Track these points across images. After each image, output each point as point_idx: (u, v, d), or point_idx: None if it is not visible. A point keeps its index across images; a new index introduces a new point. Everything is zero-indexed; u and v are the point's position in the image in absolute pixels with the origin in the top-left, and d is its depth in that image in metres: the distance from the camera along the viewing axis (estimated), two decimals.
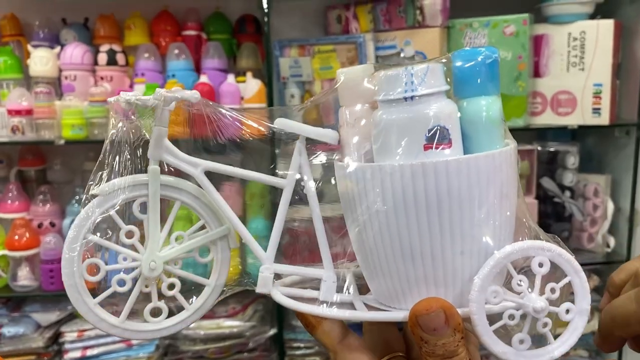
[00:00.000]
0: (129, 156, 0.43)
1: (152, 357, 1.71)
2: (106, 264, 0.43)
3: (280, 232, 0.43)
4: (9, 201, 1.70)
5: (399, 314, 0.38)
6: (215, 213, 0.45)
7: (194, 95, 0.42)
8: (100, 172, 0.43)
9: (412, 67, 0.36)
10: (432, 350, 0.35)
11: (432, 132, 0.36)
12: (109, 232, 0.43)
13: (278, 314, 1.70)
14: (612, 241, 1.77)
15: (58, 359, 1.69)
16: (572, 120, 1.70)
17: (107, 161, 0.43)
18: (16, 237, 1.64)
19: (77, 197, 1.74)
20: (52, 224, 1.71)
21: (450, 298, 0.37)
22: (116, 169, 0.43)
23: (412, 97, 0.36)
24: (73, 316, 1.75)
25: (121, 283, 0.43)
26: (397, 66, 0.37)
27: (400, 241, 0.37)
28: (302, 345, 1.76)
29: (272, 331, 1.73)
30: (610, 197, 1.77)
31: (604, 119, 1.65)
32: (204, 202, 0.44)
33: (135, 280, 0.43)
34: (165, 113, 0.42)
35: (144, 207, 0.43)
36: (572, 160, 1.77)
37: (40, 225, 1.70)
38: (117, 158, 0.43)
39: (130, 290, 0.43)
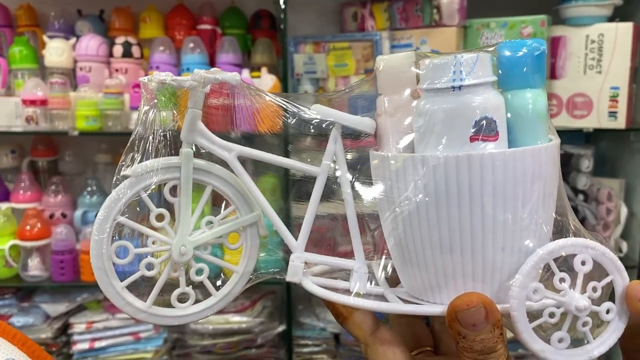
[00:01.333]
0: (161, 138, 0.42)
1: (160, 350, 1.71)
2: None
3: (311, 221, 0.42)
4: (21, 191, 1.70)
5: (436, 308, 0.38)
6: (246, 199, 0.44)
7: (234, 77, 0.41)
8: (132, 153, 0.42)
9: (462, 55, 0.35)
10: (469, 345, 0.35)
11: (479, 123, 0.35)
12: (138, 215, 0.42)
13: (287, 310, 1.70)
14: (624, 246, 1.76)
15: (66, 350, 1.70)
16: (588, 123, 1.68)
17: (137, 142, 0.42)
18: (27, 227, 1.64)
19: (89, 189, 1.74)
20: (64, 215, 1.71)
21: (488, 293, 0.36)
22: (149, 150, 0.42)
23: (460, 87, 0.35)
24: (82, 307, 1.75)
25: (149, 267, 0.42)
26: (444, 55, 0.36)
27: (439, 234, 0.36)
28: (310, 342, 1.75)
29: (281, 328, 1.73)
30: (623, 201, 1.76)
31: (620, 123, 1.64)
32: (236, 188, 0.43)
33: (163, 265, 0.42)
34: (200, 95, 0.41)
35: (174, 190, 0.42)
36: (586, 164, 1.76)
37: (51, 216, 1.71)
38: (150, 138, 0.42)
39: (158, 275, 0.42)
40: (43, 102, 1.60)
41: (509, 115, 0.36)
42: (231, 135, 0.46)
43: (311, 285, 0.41)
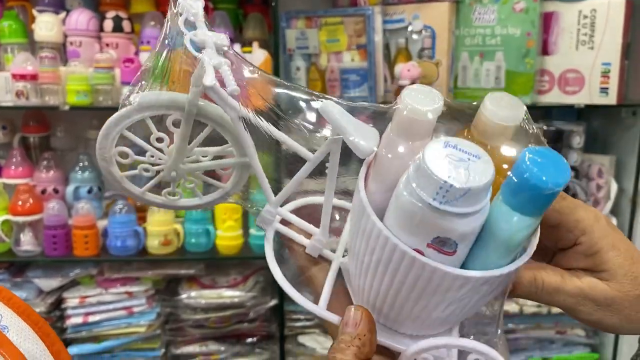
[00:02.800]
0: (174, 74, 0.43)
1: (153, 325, 1.73)
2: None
3: (294, 186, 0.44)
4: (13, 167, 1.70)
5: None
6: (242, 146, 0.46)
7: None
8: (143, 81, 0.43)
9: (454, 182, 0.31)
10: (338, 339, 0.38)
11: (439, 239, 0.33)
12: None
13: (279, 285, 1.71)
14: (614, 222, 1.77)
15: (60, 324, 1.71)
16: (579, 100, 1.68)
17: (148, 73, 0.43)
18: (19, 203, 1.64)
19: (81, 164, 1.74)
20: (56, 191, 1.71)
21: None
22: (157, 83, 0.43)
23: (436, 208, 0.32)
24: (75, 282, 1.76)
25: (146, 170, 0.48)
26: (451, 155, 0.32)
27: (370, 289, 0.38)
28: (302, 317, 1.77)
29: (273, 302, 1.74)
30: (614, 177, 1.77)
31: (611, 99, 1.64)
32: (233, 134, 0.45)
33: (158, 172, 0.48)
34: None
35: (177, 123, 0.45)
36: (578, 140, 1.77)
37: (43, 192, 1.71)
38: (164, 70, 0.43)
39: (154, 177, 0.48)
40: (33, 77, 1.59)
41: (485, 225, 0.34)
42: None
43: (271, 258, 0.44)
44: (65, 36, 1.67)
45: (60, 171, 1.74)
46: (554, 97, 1.72)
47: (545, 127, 1.77)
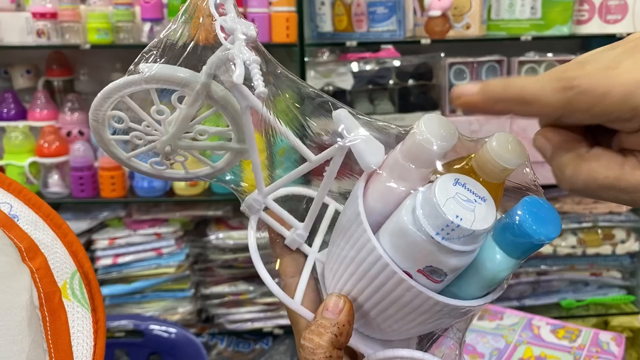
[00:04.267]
0: (190, 48, 0.42)
1: (182, 265, 1.73)
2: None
3: (284, 182, 0.44)
4: (38, 109, 1.69)
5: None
6: (243, 132, 0.45)
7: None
8: (155, 51, 0.42)
9: (461, 223, 0.33)
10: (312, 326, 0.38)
11: (431, 267, 0.35)
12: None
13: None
14: None
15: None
16: (622, 29, 1.59)
17: (162, 45, 0.42)
18: (45, 145, 1.64)
19: None
20: (81, 133, 1.71)
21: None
22: (170, 56, 0.42)
23: (437, 242, 0.34)
24: (104, 225, 1.77)
25: (139, 138, 0.46)
26: (459, 194, 0.34)
27: (348, 294, 0.39)
28: None
29: None
30: None
31: None
32: (237, 120, 0.44)
33: (149, 142, 0.46)
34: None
35: (181, 99, 0.43)
36: None
37: (69, 134, 1.70)
38: (180, 42, 0.41)
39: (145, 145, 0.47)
40: (53, 15, 1.56)
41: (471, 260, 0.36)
42: None
43: (253, 244, 0.45)
44: None
45: (85, 113, 1.73)
46: (593, 27, 1.63)
47: None
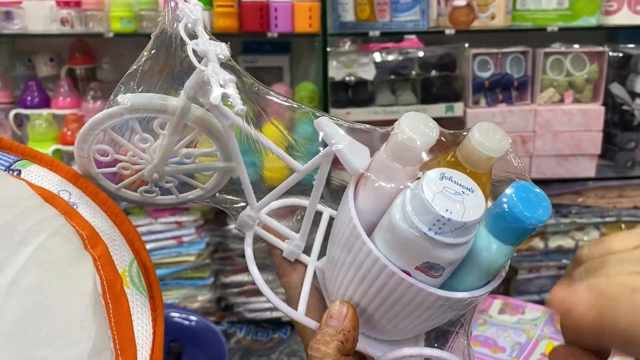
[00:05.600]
0: (165, 75, 0.42)
1: (202, 254, 1.75)
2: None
3: (278, 194, 0.45)
4: (61, 97, 1.70)
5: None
6: (228, 151, 0.45)
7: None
8: (132, 81, 0.42)
9: (452, 216, 0.33)
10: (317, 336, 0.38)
11: (428, 263, 0.35)
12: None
13: None
14: None
15: None
16: None
17: (139, 74, 0.42)
18: (69, 132, 1.65)
19: None
20: None
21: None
22: (149, 83, 0.42)
23: (430, 238, 0.34)
24: (126, 212, 1.78)
25: (126, 168, 0.47)
26: (447, 188, 0.34)
27: (350, 299, 0.39)
28: None
29: None
30: None
31: None
32: (221, 141, 0.45)
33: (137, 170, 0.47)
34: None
35: (164, 125, 0.44)
36: None
37: None
38: (156, 69, 0.42)
39: (132, 175, 0.47)
40: (77, 4, 1.57)
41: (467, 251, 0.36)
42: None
43: (250, 258, 0.45)
44: None
45: (107, 102, 1.74)
46: (622, 17, 1.60)
47: (611, 52, 1.65)
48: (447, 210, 0.33)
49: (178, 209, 1.74)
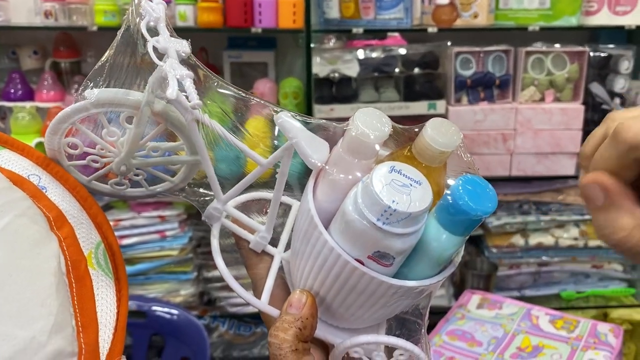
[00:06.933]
0: (130, 70, 0.43)
1: (185, 248, 1.75)
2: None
3: (244, 186, 0.45)
4: (45, 90, 1.70)
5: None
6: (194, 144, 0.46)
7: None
8: (99, 77, 0.43)
9: (397, 207, 0.35)
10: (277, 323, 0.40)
11: (379, 252, 0.37)
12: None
13: None
14: None
15: None
16: (630, 20, 1.58)
17: (107, 69, 0.44)
18: None
19: None
20: None
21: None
22: (117, 77, 0.43)
23: (379, 228, 0.36)
24: (109, 206, 1.78)
25: (95, 161, 0.48)
26: (395, 181, 0.36)
27: (311, 288, 0.41)
28: None
29: None
30: None
31: None
32: (187, 134, 0.46)
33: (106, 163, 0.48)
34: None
35: (130, 119, 0.45)
36: (626, 65, 1.67)
37: None
38: (122, 64, 0.43)
39: (102, 167, 0.49)
40: None
41: (419, 241, 0.38)
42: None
43: (217, 252, 0.47)
44: None
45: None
46: (602, 18, 1.62)
47: (591, 53, 1.68)
48: (393, 201, 0.35)
49: (161, 203, 1.75)
